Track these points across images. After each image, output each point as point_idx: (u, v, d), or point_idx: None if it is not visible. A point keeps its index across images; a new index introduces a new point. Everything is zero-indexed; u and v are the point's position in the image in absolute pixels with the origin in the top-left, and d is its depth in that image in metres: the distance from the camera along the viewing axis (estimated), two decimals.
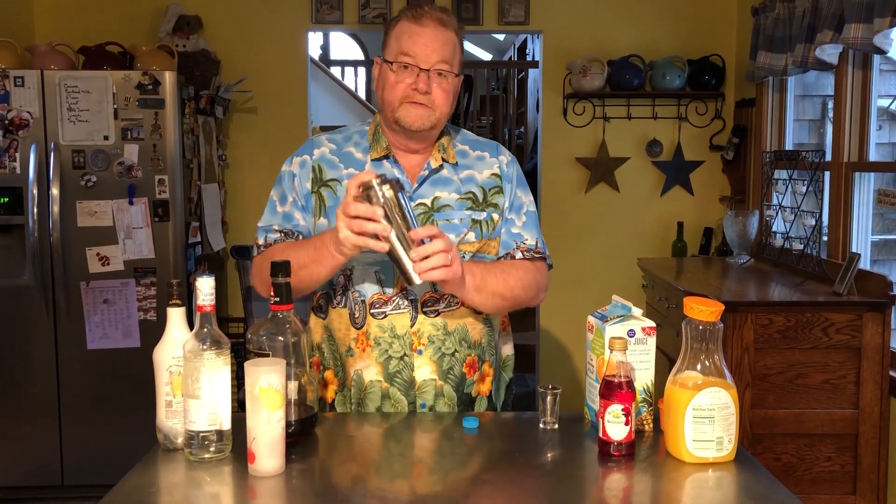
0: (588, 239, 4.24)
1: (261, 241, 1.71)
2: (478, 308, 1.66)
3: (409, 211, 1.46)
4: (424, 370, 1.65)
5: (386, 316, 1.65)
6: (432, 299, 1.65)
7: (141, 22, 4.05)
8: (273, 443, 1.30)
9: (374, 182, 1.43)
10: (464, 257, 1.66)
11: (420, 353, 1.65)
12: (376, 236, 1.44)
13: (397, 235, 1.45)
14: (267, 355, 1.38)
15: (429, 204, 1.68)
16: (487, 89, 7.26)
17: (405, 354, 1.65)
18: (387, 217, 1.43)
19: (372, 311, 1.65)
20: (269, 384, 1.28)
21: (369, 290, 1.66)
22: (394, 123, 1.65)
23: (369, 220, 1.42)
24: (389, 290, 1.65)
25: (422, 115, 1.62)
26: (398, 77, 1.62)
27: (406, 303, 1.64)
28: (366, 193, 1.44)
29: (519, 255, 1.73)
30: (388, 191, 1.43)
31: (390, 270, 1.64)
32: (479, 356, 1.72)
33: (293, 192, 1.71)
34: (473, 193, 1.72)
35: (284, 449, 1.33)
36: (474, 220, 1.69)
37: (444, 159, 1.71)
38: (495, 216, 1.72)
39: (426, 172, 1.70)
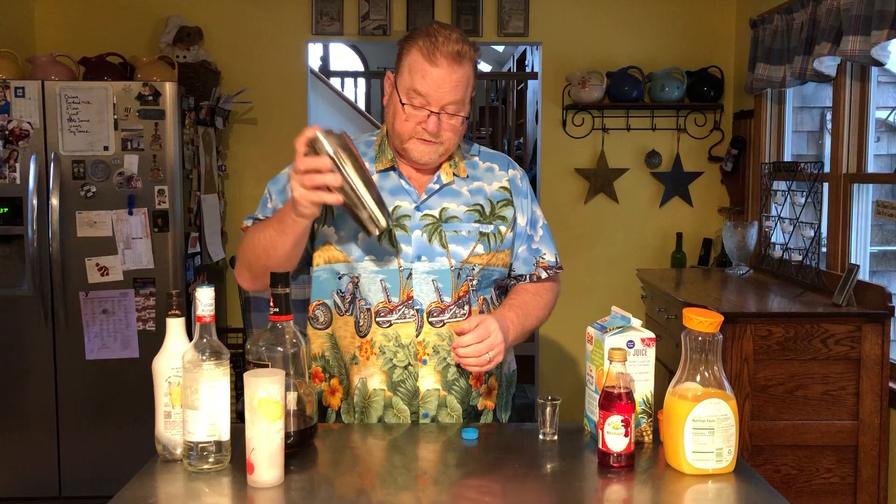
0: (587, 250, 4.25)
1: (247, 224, 1.74)
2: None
3: (358, 161, 1.46)
4: (428, 380, 1.65)
5: (391, 325, 1.65)
6: (437, 309, 1.65)
7: (141, 33, 4.06)
8: (272, 454, 1.30)
9: (319, 134, 1.42)
10: (473, 269, 1.67)
11: (424, 363, 1.65)
12: (331, 191, 1.43)
13: (350, 186, 1.44)
14: (266, 366, 1.38)
15: (437, 215, 1.68)
16: (487, 100, 7.28)
17: (409, 364, 1.65)
18: (338, 169, 1.42)
19: (377, 319, 1.65)
20: (268, 395, 1.28)
21: (375, 298, 1.65)
22: (402, 152, 1.67)
23: (318, 171, 1.41)
24: (395, 299, 1.65)
25: (429, 152, 1.64)
26: (408, 114, 1.61)
27: (412, 312, 1.64)
28: (313, 149, 1.43)
29: (544, 274, 1.78)
30: (333, 142, 1.42)
31: (396, 279, 1.65)
32: None
33: (285, 194, 1.71)
34: (481, 206, 1.72)
35: (283, 460, 1.33)
36: (482, 233, 1.70)
37: (454, 174, 1.72)
38: (503, 229, 1.72)
39: (437, 186, 1.70)
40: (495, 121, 6.97)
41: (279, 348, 1.39)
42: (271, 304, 1.39)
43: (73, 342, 3.41)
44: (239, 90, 4.02)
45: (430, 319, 1.65)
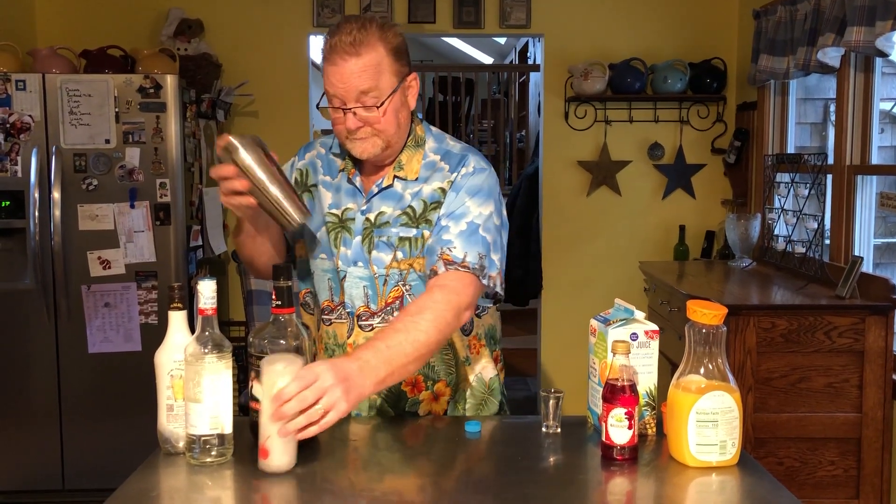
0: (590, 242, 4.24)
1: None
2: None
3: (269, 162, 1.50)
4: None
5: (332, 323, 1.68)
6: (367, 313, 1.63)
7: (142, 26, 4.05)
8: (287, 440, 1.30)
9: (232, 139, 1.47)
10: (400, 275, 1.61)
11: None
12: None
13: (259, 188, 1.49)
14: None
15: (372, 220, 1.64)
16: (489, 93, 7.26)
17: None
18: (244, 173, 1.47)
19: (322, 317, 1.69)
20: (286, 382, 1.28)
21: (322, 296, 1.69)
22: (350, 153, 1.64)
23: (226, 178, 1.46)
24: (336, 299, 1.67)
25: (367, 147, 1.58)
26: (333, 116, 1.58)
27: (345, 314, 1.66)
28: (228, 155, 1.48)
29: (442, 268, 1.54)
30: (244, 146, 1.47)
31: (336, 280, 1.66)
32: (426, 375, 1.67)
33: None
34: (412, 208, 1.63)
35: (297, 446, 1.33)
36: (402, 238, 1.61)
37: (398, 176, 1.64)
38: (426, 233, 1.61)
39: (376, 189, 1.65)
40: (497, 113, 6.96)
41: (281, 341, 1.39)
42: (273, 297, 1.39)
43: (75, 335, 3.41)
44: (240, 83, 4.01)
45: (360, 322, 1.64)
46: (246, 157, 1.47)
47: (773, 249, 3.51)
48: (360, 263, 1.63)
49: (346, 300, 1.64)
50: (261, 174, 1.48)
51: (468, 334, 1.70)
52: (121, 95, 3.36)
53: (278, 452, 1.30)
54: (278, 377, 1.29)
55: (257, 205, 1.50)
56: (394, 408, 1.67)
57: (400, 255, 1.61)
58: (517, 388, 4.86)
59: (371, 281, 1.63)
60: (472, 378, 1.72)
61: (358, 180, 1.67)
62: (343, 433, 1.56)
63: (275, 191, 1.50)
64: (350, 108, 1.54)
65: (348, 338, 1.65)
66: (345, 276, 1.64)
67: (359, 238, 1.63)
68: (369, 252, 1.62)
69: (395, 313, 1.60)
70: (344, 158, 1.70)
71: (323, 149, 1.75)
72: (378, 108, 1.54)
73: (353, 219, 1.65)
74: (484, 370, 1.73)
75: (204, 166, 3.74)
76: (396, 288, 1.62)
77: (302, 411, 1.26)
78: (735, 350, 2.68)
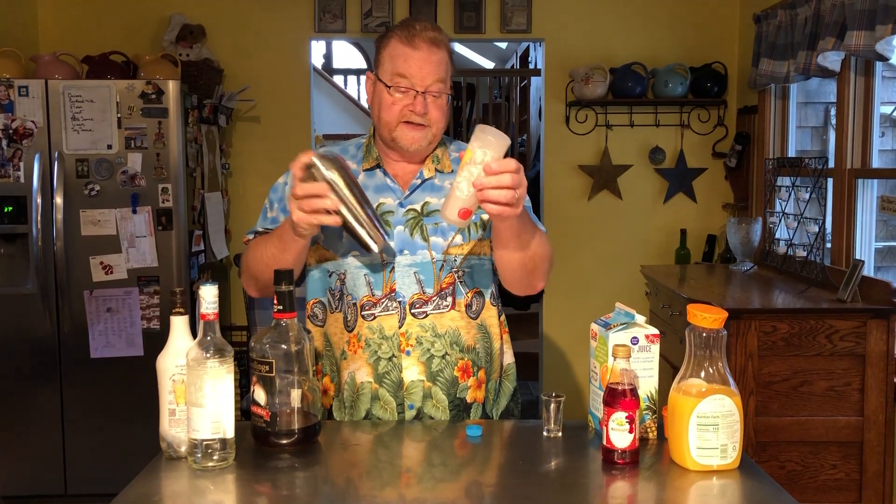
0: (591, 246, 4.24)
1: (249, 238, 1.79)
2: (504, 255, 1.62)
3: (353, 182, 1.50)
4: (412, 371, 1.67)
5: (375, 317, 1.67)
6: (420, 301, 1.67)
7: (144, 31, 4.07)
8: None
9: (315, 160, 1.46)
10: (455, 260, 1.69)
11: (408, 353, 1.67)
12: (329, 213, 1.48)
13: (347, 207, 1.48)
14: (269, 364, 1.38)
15: (418, 209, 1.71)
16: (490, 97, 7.27)
17: (393, 355, 1.67)
18: (333, 191, 1.46)
19: (363, 313, 1.68)
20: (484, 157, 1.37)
21: (360, 292, 1.69)
22: (391, 142, 1.70)
23: (317, 196, 1.45)
24: (378, 292, 1.68)
25: (418, 137, 1.67)
26: (394, 98, 1.65)
27: (394, 304, 1.67)
28: (310, 173, 1.46)
29: None
30: (330, 166, 1.47)
31: (379, 273, 1.68)
32: (473, 361, 1.71)
33: (284, 200, 1.76)
34: None
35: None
36: None
37: (437, 169, 1.74)
38: (484, 217, 1.71)
39: (419, 181, 1.73)
40: (498, 118, 6.96)
41: (283, 346, 1.40)
42: (275, 301, 1.40)
43: (77, 340, 3.41)
44: (242, 88, 4.02)
45: (412, 311, 1.67)
46: (338, 177, 1.47)
47: (774, 253, 3.51)
48: (406, 252, 1.68)
49: (398, 290, 1.67)
50: (352, 197, 1.48)
51: (500, 317, 1.81)
52: (123, 101, 3.37)
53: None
54: (490, 148, 1.36)
55: (341, 223, 1.50)
56: (447, 395, 1.68)
57: (459, 238, 1.70)
58: (518, 392, 4.85)
59: (423, 267, 1.68)
60: (505, 366, 1.82)
61: (389, 176, 1.73)
62: (344, 437, 1.56)
63: (363, 214, 1.50)
64: (423, 92, 1.64)
65: (399, 327, 1.66)
66: (393, 268, 1.67)
67: (401, 228, 1.69)
68: (425, 239, 1.68)
69: (449, 299, 1.68)
70: (363, 160, 1.75)
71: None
72: (446, 97, 1.67)
73: (392, 211, 1.71)
74: (506, 356, 1.83)
75: (206, 171, 3.75)
76: (450, 275, 1.69)
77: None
78: (736, 354, 2.68)
